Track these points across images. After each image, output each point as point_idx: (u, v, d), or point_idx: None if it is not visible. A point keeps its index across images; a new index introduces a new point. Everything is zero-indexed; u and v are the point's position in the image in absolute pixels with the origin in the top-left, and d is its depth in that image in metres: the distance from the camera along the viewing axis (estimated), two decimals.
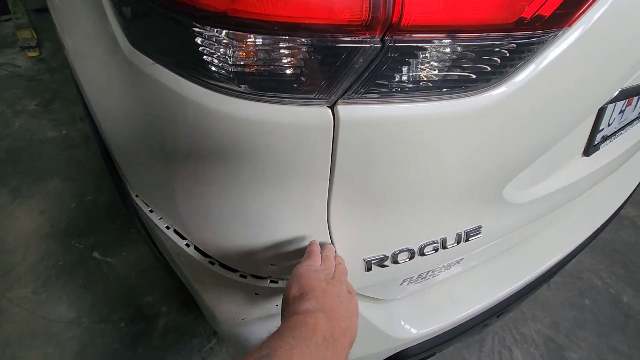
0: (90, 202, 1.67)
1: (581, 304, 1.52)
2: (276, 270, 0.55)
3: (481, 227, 0.63)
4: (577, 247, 0.94)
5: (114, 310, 1.36)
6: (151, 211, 0.68)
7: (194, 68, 0.40)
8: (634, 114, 0.82)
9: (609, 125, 0.75)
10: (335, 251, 0.53)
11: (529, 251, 0.86)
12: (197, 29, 0.36)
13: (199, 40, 0.36)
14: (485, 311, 0.80)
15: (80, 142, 1.91)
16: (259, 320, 0.59)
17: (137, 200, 0.71)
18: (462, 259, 0.68)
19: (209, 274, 0.60)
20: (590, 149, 0.73)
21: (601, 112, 0.68)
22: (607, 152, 0.78)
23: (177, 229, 0.63)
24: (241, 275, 0.57)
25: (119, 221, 1.61)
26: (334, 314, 0.41)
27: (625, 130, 0.82)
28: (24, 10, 2.54)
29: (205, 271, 0.60)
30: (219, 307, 0.60)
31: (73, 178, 1.75)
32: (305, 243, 0.54)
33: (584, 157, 0.74)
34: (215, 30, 0.35)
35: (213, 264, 0.59)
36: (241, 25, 0.34)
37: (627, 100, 0.75)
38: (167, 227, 0.65)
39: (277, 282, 0.56)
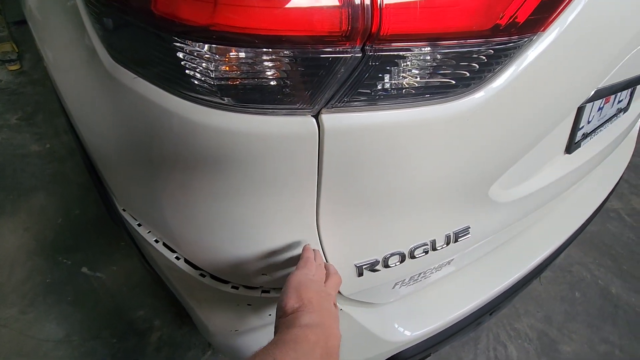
0: (77, 217, 1.64)
1: (572, 297, 1.54)
2: (268, 280, 0.55)
3: (469, 228, 0.63)
4: (565, 241, 0.95)
5: (105, 326, 1.33)
6: (139, 225, 0.67)
7: (176, 82, 0.39)
8: (612, 111, 0.85)
9: (588, 122, 0.77)
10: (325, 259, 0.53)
11: (519, 248, 0.87)
12: (178, 44, 0.36)
13: (180, 54, 0.36)
14: (477, 310, 0.80)
15: (65, 155, 1.88)
16: (253, 330, 0.58)
17: (125, 214, 0.70)
18: (452, 259, 0.68)
19: (201, 286, 0.59)
20: (571, 146, 0.75)
21: (580, 110, 0.70)
22: (588, 149, 0.80)
23: (166, 242, 0.63)
24: (233, 287, 0.57)
25: (107, 235, 1.58)
26: (330, 331, 0.41)
27: (604, 126, 0.84)
28: (4, 23, 2.49)
29: (197, 284, 0.60)
30: (212, 320, 0.59)
31: (59, 192, 1.72)
32: (297, 252, 0.54)
33: (566, 155, 0.76)
34: (197, 44, 0.35)
35: (204, 276, 0.59)
36: (223, 39, 0.34)
37: (604, 97, 0.78)
38: (156, 241, 0.64)
39: (269, 292, 0.56)
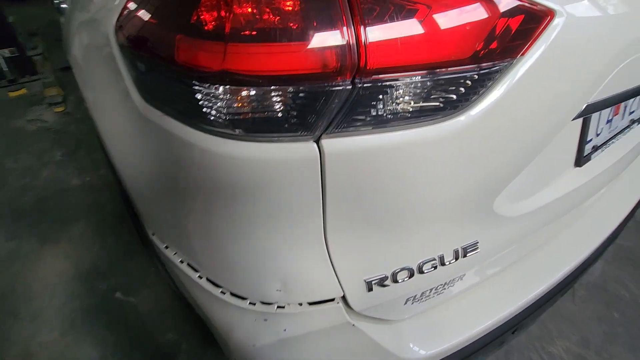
0: (111, 244, 1.75)
1: (610, 317, 1.46)
2: (282, 295, 0.59)
3: (478, 243, 0.65)
4: (589, 256, 0.93)
5: (136, 348, 1.39)
6: (166, 247, 0.73)
7: (196, 117, 0.46)
8: (624, 123, 0.85)
9: (597, 135, 0.77)
10: None
11: (540, 262, 0.86)
12: (196, 87, 0.42)
13: (199, 95, 0.43)
14: (498, 327, 0.79)
15: (102, 187, 2.02)
16: (270, 346, 0.61)
17: (154, 238, 0.77)
18: (464, 275, 0.69)
19: (221, 303, 0.63)
20: (581, 160, 0.75)
21: (586, 123, 0.71)
22: (600, 162, 0.80)
23: (190, 263, 0.68)
24: (250, 303, 0.61)
25: (139, 261, 1.67)
26: None
27: (617, 138, 0.84)
28: (51, 70, 2.77)
29: (218, 300, 0.64)
30: (232, 335, 0.63)
31: (96, 222, 1.84)
32: (308, 268, 0.57)
33: (577, 168, 0.76)
34: (212, 86, 0.41)
35: (224, 293, 0.63)
36: (232, 81, 0.40)
37: (613, 109, 0.78)
38: (181, 261, 0.70)
39: (283, 307, 0.60)
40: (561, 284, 0.88)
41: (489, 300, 0.79)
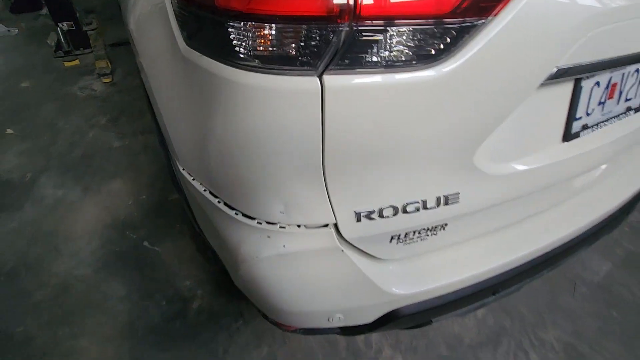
0: (144, 200, 1.93)
1: (608, 315, 1.48)
2: (284, 217, 0.70)
3: (459, 194, 0.73)
4: (576, 237, 0.98)
5: (157, 290, 1.56)
6: (193, 179, 0.87)
7: (226, 52, 0.58)
8: (620, 109, 0.90)
9: (588, 114, 0.83)
10: None
11: (523, 231, 0.92)
12: (230, 23, 0.54)
13: (231, 30, 0.54)
14: (478, 282, 0.87)
15: (140, 150, 2.22)
16: (270, 258, 0.73)
17: (184, 172, 0.90)
18: (446, 225, 0.78)
19: (234, 222, 0.75)
20: (568, 135, 0.82)
21: (574, 99, 0.78)
22: (590, 141, 0.86)
23: (212, 190, 0.81)
24: (258, 222, 0.73)
25: (166, 217, 1.84)
26: None
27: (611, 122, 0.89)
28: (102, 44, 3.03)
29: (231, 221, 0.76)
30: (240, 249, 0.75)
31: (132, 180, 2.04)
32: (306, 195, 0.68)
33: (564, 143, 0.83)
34: (241, 23, 0.53)
35: (237, 214, 0.75)
36: (256, 19, 0.52)
37: (606, 92, 0.84)
38: (204, 190, 0.82)
39: (284, 227, 0.71)
40: (545, 255, 0.95)
41: (471, 257, 0.87)
